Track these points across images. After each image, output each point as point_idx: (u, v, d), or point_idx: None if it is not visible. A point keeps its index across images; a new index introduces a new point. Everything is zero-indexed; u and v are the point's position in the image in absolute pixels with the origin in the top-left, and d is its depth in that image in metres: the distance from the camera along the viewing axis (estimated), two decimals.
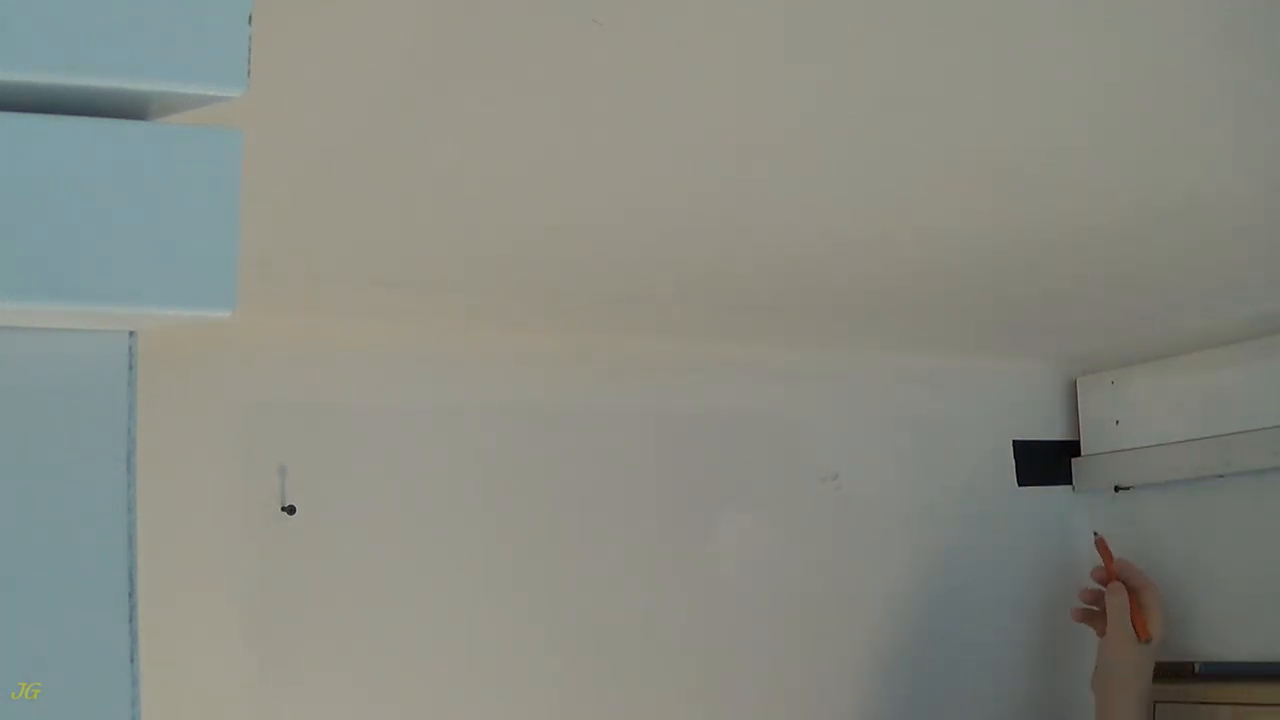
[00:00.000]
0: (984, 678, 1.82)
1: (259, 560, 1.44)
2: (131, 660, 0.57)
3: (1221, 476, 1.71)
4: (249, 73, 0.56)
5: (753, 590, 1.69)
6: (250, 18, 0.56)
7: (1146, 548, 1.78)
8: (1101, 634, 1.72)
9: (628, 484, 1.64)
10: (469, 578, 1.55)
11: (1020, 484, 1.88)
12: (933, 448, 1.83)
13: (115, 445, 0.58)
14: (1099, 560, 1.76)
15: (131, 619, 0.57)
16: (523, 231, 1.24)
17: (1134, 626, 1.67)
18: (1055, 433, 1.92)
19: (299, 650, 1.45)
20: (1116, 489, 1.85)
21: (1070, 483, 1.90)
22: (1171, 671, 1.75)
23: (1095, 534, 1.77)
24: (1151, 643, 1.67)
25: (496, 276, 1.38)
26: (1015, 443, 1.89)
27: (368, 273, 1.33)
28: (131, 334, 0.59)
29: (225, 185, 0.57)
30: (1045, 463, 1.90)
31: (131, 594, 0.58)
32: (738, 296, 1.51)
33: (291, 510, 1.44)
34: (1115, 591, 1.70)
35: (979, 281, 1.50)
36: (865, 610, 1.76)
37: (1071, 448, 1.91)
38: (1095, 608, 1.74)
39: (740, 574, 1.69)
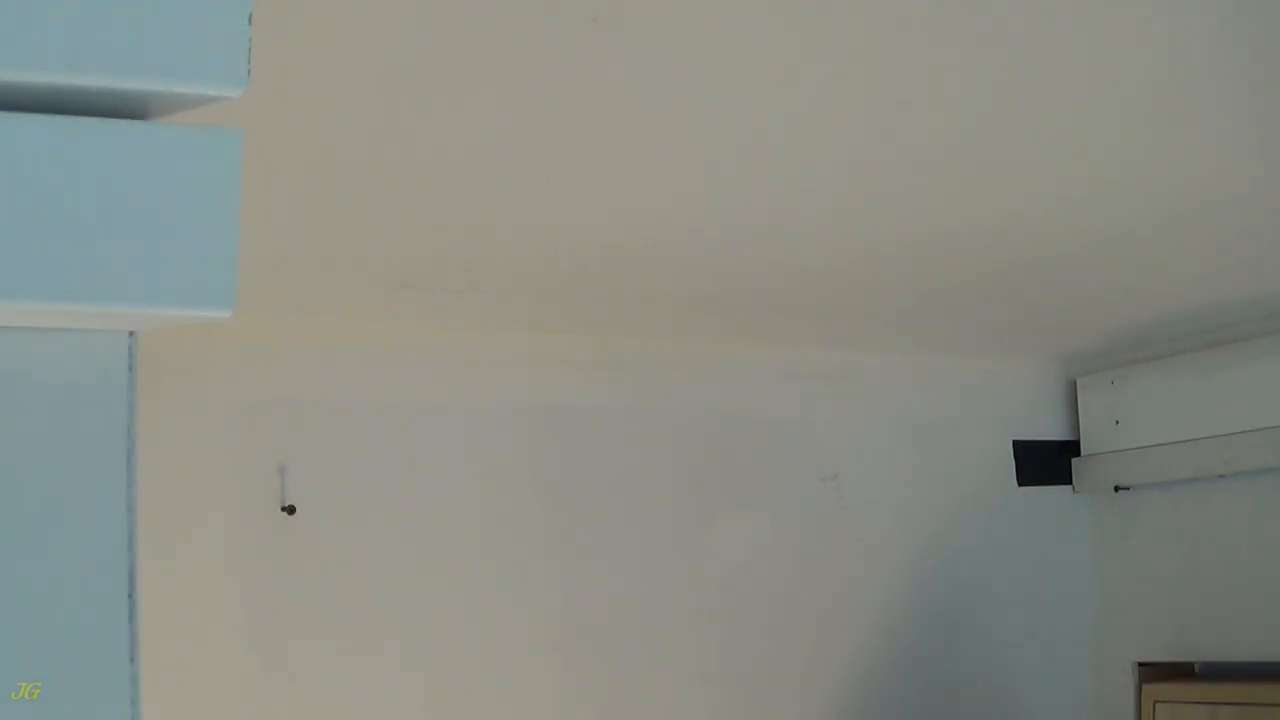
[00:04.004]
0: (983, 675, 1.82)
1: (259, 560, 1.44)
2: (131, 660, 0.57)
3: (1221, 476, 1.71)
4: (249, 73, 0.56)
5: (753, 589, 1.69)
6: (250, 18, 0.56)
7: (1147, 547, 1.78)
8: None
9: (628, 483, 1.64)
10: (468, 576, 1.55)
11: (1020, 484, 1.88)
12: (933, 448, 1.83)
13: (115, 445, 0.58)
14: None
15: (131, 619, 0.57)
16: (522, 232, 1.24)
17: None
18: (1055, 433, 1.92)
19: (299, 649, 1.45)
20: (1116, 489, 1.85)
21: (1070, 483, 1.90)
22: (1171, 671, 1.75)
23: None
24: None
25: (496, 277, 1.38)
26: (1015, 443, 1.89)
27: (368, 273, 1.33)
28: (131, 334, 0.59)
29: (225, 185, 0.57)
30: (1045, 463, 1.90)
31: (131, 594, 0.57)
32: (739, 298, 1.51)
33: (291, 510, 1.44)
34: None
35: (980, 282, 1.50)
36: (866, 608, 1.76)
37: (1071, 448, 1.91)
38: None
39: (740, 573, 1.69)
